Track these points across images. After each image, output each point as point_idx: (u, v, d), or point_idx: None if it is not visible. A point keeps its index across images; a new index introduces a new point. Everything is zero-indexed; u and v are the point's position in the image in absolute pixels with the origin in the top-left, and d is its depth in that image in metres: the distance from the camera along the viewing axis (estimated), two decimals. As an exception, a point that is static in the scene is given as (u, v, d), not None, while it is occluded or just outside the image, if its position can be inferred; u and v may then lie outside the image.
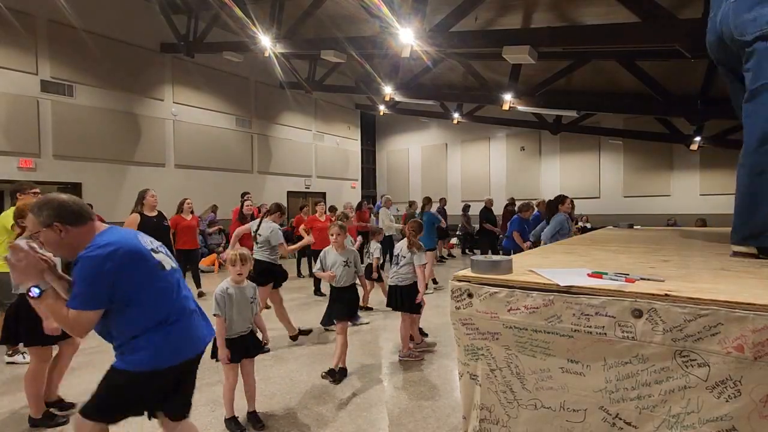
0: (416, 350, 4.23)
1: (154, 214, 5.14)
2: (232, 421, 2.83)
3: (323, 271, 3.78)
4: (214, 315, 2.76)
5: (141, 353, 1.68)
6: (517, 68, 8.45)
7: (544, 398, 1.23)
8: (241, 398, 2.94)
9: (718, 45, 1.82)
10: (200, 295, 6.67)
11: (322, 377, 3.60)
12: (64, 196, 1.69)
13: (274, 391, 3.43)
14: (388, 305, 4.33)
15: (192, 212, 6.42)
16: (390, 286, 4.24)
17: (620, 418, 1.11)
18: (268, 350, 4.13)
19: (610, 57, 7.70)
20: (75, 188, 8.92)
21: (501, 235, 10.03)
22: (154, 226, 4.98)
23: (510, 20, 7.31)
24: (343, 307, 3.74)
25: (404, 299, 4.08)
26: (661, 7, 4.93)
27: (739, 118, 1.80)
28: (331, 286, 3.83)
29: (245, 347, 2.88)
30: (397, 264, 4.16)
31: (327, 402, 3.24)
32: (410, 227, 4.21)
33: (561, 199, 5.77)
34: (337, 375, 3.57)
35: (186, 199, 6.43)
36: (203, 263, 8.88)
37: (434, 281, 7.65)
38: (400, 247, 4.22)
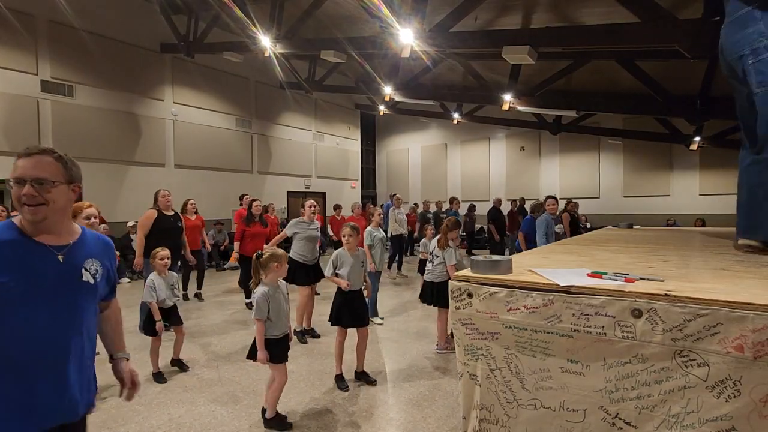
0: (451, 345, 4.38)
1: (171, 213, 5.18)
2: (276, 419, 2.87)
3: (336, 276, 3.57)
4: (255, 319, 2.78)
5: None
6: (517, 68, 8.44)
7: (543, 398, 1.23)
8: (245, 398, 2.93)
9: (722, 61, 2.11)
10: (197, 297, 6.68)
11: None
12: None
13: (274, 391, 3.43)
14: (422, 300, 4.55)
15: (196, 212, 6.43)
16: (425, 281, 4.45)
17: (620, 418, 1.11)
18: None
19: (610, 57, 7.69)
20: (75, 188, 8.91)
21: (497, 238, 10.03)
22: (169, 224, 5.05)
23: (510, 20, 7.30)
24: (354, 314, 3.56)
25: (440, 295, 4.25)
26: (661, 7, 4.93)
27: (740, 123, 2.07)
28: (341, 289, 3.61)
29: (286, 345, 2.93)
30: (432, 262, 4.39)
31: (325, 402, 3.24)
32: (446, 223, 4.40)
33: (546, 199, 5.81)
34: (341, 382, 3.51)
35: (189, 199, 6.43)
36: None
37: None
38: (433, 245, 4.43)
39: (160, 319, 3.65)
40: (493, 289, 1.30)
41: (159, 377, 3.67)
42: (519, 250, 6.48)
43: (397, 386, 3.54)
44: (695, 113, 8.24)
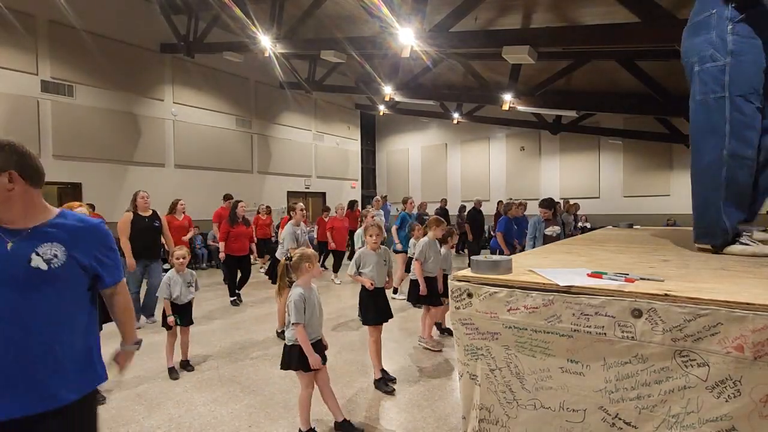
0: (429, 342, 4.45)
1: (148, 214, 5.29)
2: None
3: (359, 275, 3.57)
4: (294, 323, 2.63)
5: None
6: (517, 68, 8.45)
7: (543, 398, 1.23)
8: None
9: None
10: None
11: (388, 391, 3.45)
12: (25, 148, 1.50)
13: (273, 391, 3.43)
14: (408, 300, 4.73)
15: (184, 213, 6.48)
16: (411, 280, 4.62)
17: (620, 418, 1.11)
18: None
19: (610, 57, 7.70)
20: (75, 188, 8.92)
21: (470, 237, 10.10)
22: (144, 225, 5.20)
23: (510, 20, 7.31)
24: (380, 310, 3.61)
25: (427, 292, 4.40)
26: (661, 7, 4.94)
27: None
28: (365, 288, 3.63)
29: (322, 352, 2.77)
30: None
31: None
32: (428, 222, 4.63)
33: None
34: (389, 385, 3.47)
35: (179, 200, 6.47)
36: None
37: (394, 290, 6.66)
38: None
39: (171, 314, 3.74)
40: (493, 289, 1.29)
41: (173, 372, 3.75)
42: (494, 252, 6.68)
43: (397, 386, 3.53)
44: (695, 113, 8.22)
